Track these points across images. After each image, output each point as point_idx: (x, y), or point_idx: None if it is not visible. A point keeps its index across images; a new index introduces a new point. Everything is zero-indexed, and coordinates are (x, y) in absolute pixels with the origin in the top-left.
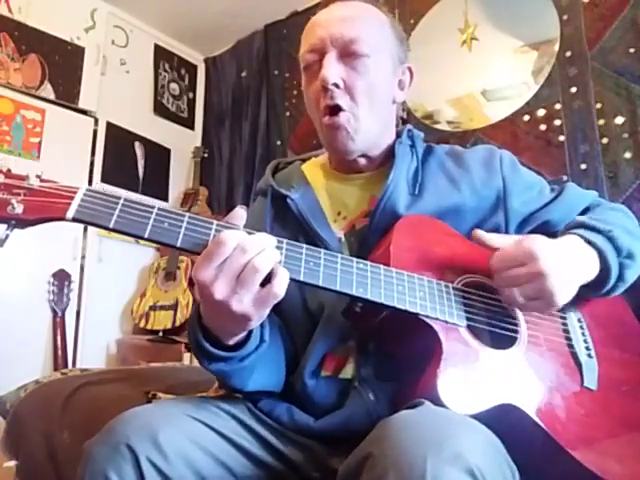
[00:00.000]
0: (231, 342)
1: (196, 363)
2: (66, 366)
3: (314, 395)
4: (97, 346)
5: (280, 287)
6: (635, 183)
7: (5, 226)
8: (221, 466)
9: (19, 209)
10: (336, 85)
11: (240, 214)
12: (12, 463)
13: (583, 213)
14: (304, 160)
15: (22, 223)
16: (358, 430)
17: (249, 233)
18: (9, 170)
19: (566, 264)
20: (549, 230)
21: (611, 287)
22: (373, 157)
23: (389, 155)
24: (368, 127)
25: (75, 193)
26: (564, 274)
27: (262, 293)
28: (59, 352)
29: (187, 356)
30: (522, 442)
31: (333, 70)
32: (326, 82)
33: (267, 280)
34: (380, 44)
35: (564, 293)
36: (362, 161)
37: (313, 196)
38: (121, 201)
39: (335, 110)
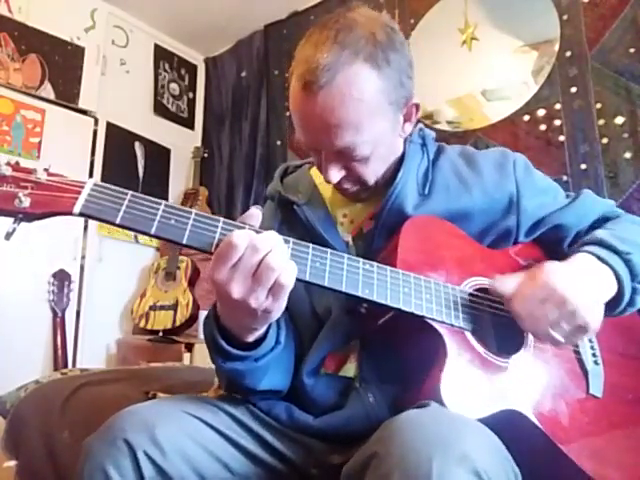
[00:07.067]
0: (251, 339)
1: (196, 363)
2: (66, 366)
3: (313, 393)
4: (97, 346)
5: (287, 278)
6: (635, 183)
7: (12, 220)
8: (218, 462)
9: (26, 203)
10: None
11: (255, 214)
12: (12, 463)
13: (601, 222)
14: (313, 163)
15: (29, 217)
16: (357, 431)
17: (257, 232)
18: (17, 163)
19: (586, 287)
20: (560, 234)
21: (620, 311)
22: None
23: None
24: (377, 176)
25: (82, 187)
26: (588, 298)
27: (273, 286)
28: (59, 352)
29: (187, 356)
30: (524, 447)
31: (334, 173)
32: (331, 183)
33: None
34: (374, 128)
35: (596, 317)
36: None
37: (320, 200)
38: (128, 197)
39: None
